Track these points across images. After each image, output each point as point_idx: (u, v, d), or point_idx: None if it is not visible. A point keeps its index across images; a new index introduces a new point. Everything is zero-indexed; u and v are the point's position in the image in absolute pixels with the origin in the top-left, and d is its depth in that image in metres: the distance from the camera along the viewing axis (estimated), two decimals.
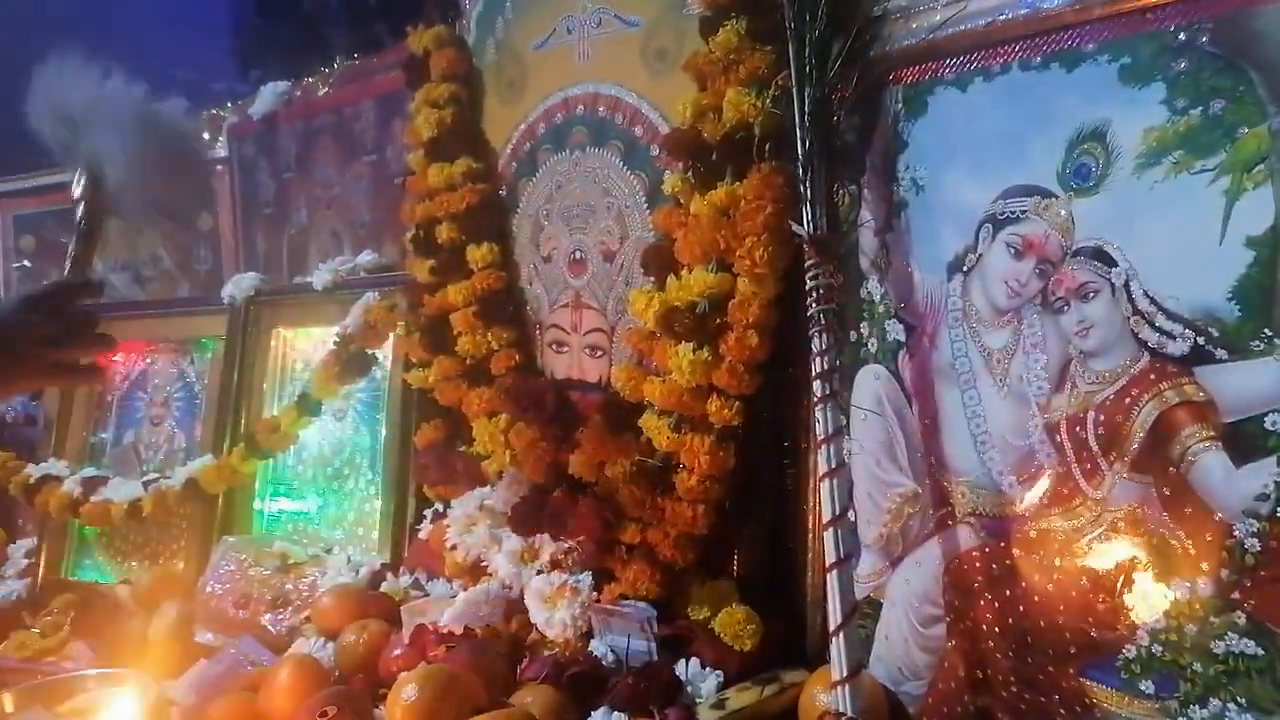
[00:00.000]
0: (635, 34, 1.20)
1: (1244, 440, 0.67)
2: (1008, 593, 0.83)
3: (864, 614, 0.96)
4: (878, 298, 0.95)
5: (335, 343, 1.49)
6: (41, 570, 1.80)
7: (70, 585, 1.75)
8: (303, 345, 1.68)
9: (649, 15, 1.19)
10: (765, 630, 1.03)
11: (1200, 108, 0.69)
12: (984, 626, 0.85)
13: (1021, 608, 0.82)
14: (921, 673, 0.91)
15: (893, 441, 0.94)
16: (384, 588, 1.34)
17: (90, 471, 1.77)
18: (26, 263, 2.17)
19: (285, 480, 1.66)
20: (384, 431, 1.51)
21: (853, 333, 0.97)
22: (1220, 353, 0.68)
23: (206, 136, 2.02)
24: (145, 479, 1.70)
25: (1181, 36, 0.70)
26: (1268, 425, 0.66)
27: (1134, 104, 0.73)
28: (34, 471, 1.77)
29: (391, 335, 1.49)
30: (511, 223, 1.37)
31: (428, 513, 1.39)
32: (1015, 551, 0.83)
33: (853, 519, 0.97)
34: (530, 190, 1.35)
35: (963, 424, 0.87)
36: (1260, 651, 0.66)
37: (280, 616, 1.37)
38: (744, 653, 1.02)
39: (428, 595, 1.29)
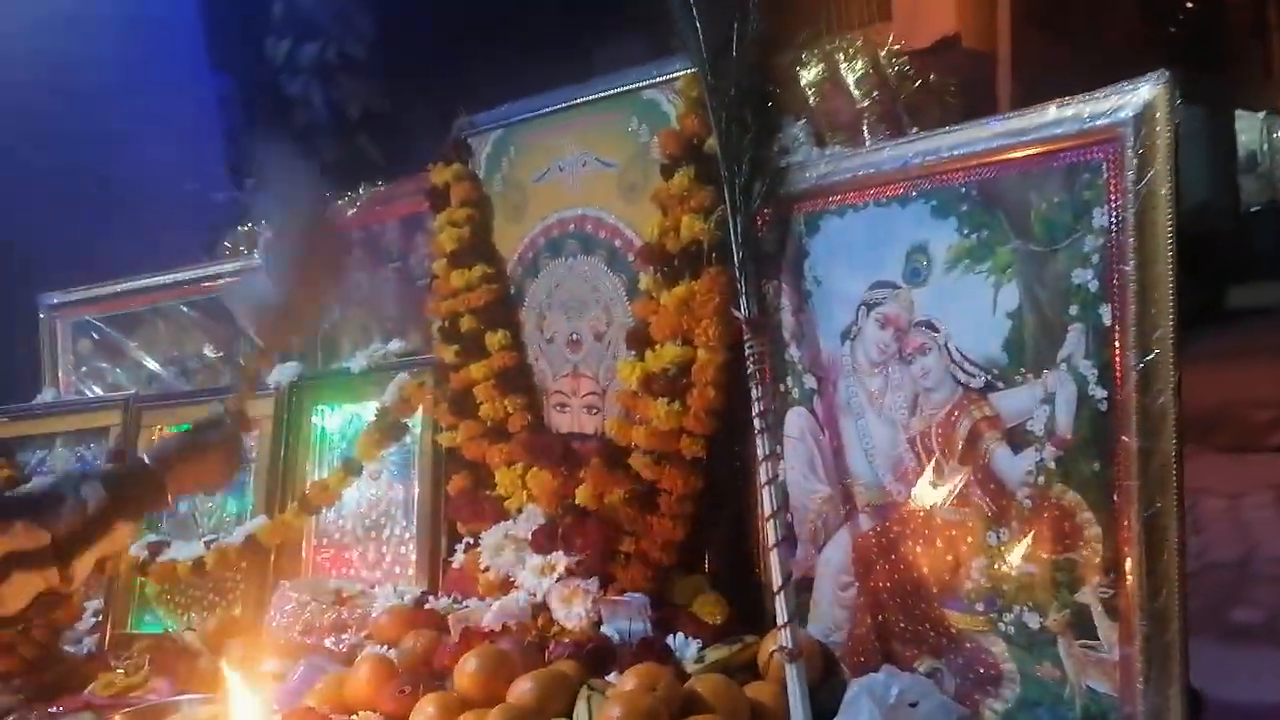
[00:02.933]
0: (612, 172, 1.61)
1: (1017, 437, 1.07)
2: (893, 558, 1.21)
3: (802, 590, 1.32)
4: (797, 359, 1.35)
5: (375, 414, 1.84)
6: (110, 626, 2.08)
7: (136, 638, 2.03)
8: (337, 420, 2.02)
9: (622, 159, 1.59)
10: (731, 609, 1.38)
11: (976, 234, 1.11)
12: (880, 584, 1.22)
13: (903, 566, 1.20)
14: (842, 625, 1.28)
15: (813, 460, 1.32)
16: (427, 608, 1.67)
17: (151, 537, 2.07)
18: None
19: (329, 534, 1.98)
20: (416, 485, 1.85)
21: (780, 385, 1.36)
22: (1000, 384, 1.09)
23: (243, 249, 2.39)
24: (206, 538, 2.01)
25: (963, 190, 1.12)
26: (1029, 427, 1.06)
27: (940, 230, 1.14)
28: None
29: (421, 407, 1.85)
30: (520, 314, 1.76)
31: (458, 546, 1.72)
32: (895, 528, 1.21)
33: (789, 519, 1.34)
34: (534, 288, 1.73)
35: (858, 443, 1.26)
36: (1035, 570, 1.05)
37: (341, 638, 1.68)
38: (715, 626, 1.37)
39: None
